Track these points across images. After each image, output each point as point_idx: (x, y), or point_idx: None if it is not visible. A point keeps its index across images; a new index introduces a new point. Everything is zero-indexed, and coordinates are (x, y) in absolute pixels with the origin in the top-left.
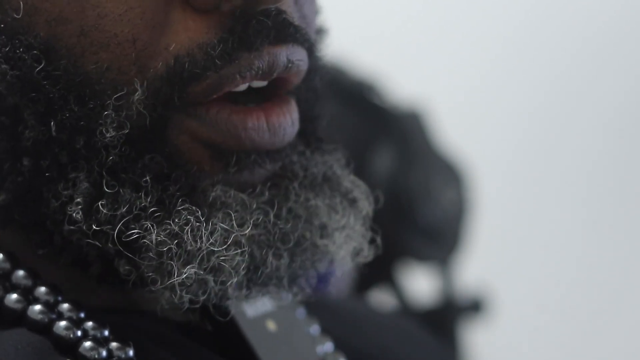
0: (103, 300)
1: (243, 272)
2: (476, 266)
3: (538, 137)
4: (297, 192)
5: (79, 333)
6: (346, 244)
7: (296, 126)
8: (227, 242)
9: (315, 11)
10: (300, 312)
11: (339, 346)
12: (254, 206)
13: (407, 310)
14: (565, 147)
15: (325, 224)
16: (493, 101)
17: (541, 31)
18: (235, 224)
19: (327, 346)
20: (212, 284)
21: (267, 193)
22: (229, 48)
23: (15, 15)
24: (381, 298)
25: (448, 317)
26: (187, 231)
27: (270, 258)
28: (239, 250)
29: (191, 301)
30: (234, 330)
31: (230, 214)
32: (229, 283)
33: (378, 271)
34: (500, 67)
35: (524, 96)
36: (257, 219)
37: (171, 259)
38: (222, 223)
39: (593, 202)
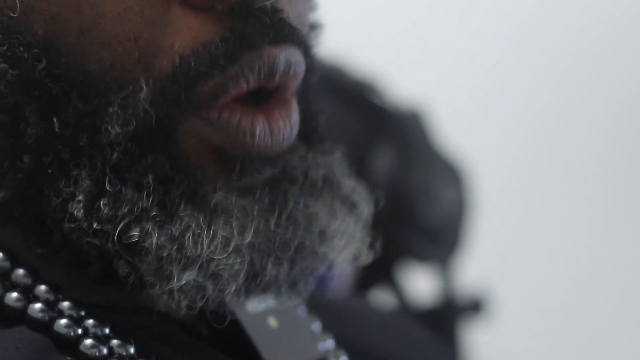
0: (103, 298)
1: (242, 280)
2: (476, 266)
3: (538, 137)
4: (296, 198)
5: (80, 331)
6: (345, 249)
7: (295, 130)
8: (227, 249)
9: (310, 7)
10: (302, 309)
11: (340, 344)
12: (255, 213)
13: (407, 310)
14: (566, 148)
15: (324, 229)
16: (493, 101)
17: (542, 31)
18: (235, 232)
19: (329, 343)
20: (210, 290)
21: (266, 199)
22: (231, 47)
23: (11, 14)
24: (381, 297)
25: (448, 317)
26: (188, 237)
27: (270, 266)
28: (239, 259)
29: (189, 306)
30: (235, 326)
31: (231, 221)
32: (227, 290)
33: (378, 271)
34: (501, 67)
35: (525, 96)
36: (258, 226)
37: (170, 264)
38: (222, 230)
39: (594, 202)
